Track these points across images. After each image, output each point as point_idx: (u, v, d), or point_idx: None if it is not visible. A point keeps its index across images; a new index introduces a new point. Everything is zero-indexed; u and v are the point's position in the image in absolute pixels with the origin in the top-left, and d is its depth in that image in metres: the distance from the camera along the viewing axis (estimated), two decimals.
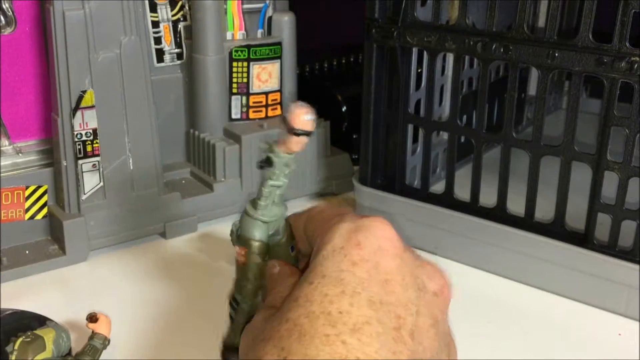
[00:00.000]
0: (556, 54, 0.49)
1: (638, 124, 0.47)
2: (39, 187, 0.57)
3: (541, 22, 0.76)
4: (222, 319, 0.49)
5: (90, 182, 0.56)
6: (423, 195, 0.59)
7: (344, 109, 0.76)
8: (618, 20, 0.46)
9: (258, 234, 0.35)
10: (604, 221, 0.50)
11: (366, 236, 0.30)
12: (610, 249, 0.50)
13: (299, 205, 0.67)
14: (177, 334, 0.48)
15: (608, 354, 0.46)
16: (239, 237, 0.36)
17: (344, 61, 0.84)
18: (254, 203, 0.35)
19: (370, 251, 0.30)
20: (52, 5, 0.52)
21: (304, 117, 0.33)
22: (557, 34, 0.49)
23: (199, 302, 0.51)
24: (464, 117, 0.68)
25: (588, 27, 0.47)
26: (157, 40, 0.64)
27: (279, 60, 0.67)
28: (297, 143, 0.33)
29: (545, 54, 0.49)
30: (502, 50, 0.51)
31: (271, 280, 0.34)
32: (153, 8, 0.63)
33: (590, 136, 0.52)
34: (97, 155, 0.56)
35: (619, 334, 0.48)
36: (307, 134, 0.33)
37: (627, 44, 0.46)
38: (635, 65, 0.46)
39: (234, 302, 0.37)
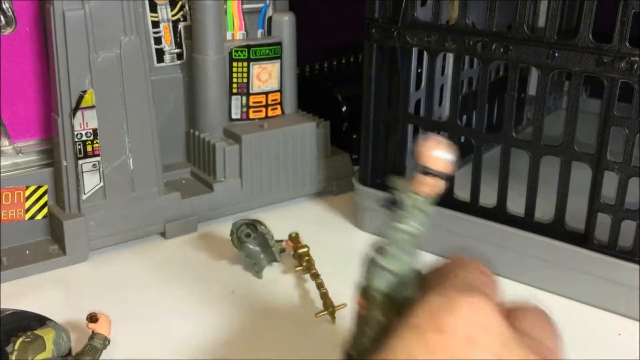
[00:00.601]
0: (556, 54, 0.49)
1: (638, 124, 0.47)
2: (39, 187, 0.57)
3: (541, 22, 0.76)
4: (222, 319, 0.49)
5: (91, 182, 0.56)
6: None
7: (344, 109, 0.76)
8: (618, 20, 0.46)
9: (383, 285, 0.29)
10: (604, 221, 0.50)
11: (452, 320, 0.24)
12: (610, 249, 0.50)
13: (298, 205, 0.68)
14: (177, 333, 0.48)
15: (608, 354, 0.46)
16: (363, 287, 0.30)
17: (344, 61, 0.84)
18: (380, 249, 0.30)
19: (455, 340, 0.24)
20: (52, 5, 0.52)
21: (435, 153, 0.27)
22: (557, 34, 0.49)
23: (199, 301, 0.51)
24: (464, 117, 0.68)
25: (588, 27, 0.47)
26: (157, 40, 0.64)
27: (279, 60, 0.67)
28: (426, 184, 0.28)
29: (545, 54, 0.49)
30: (502, 50, 0.51)
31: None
32: (153, 8, 0.63)
33: (590, 136, 0.52)
34: (97, 155, 0.56)
35: (619, 334, 0.48)
36: (439, 175, 0.27)
37: (627, 44, 0.46)
38: (635, 65, 0.46)
39: (347, 357, 0.32)
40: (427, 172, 0.28)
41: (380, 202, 0.30)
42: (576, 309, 0.51)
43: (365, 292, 0.30)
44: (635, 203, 0.49)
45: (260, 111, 0.67)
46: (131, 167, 0.58)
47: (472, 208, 0.56)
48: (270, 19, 0.67)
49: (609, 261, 0.49)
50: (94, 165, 0.56)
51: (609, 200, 0.49)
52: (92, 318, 0.43)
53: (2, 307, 0.47)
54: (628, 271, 0.49)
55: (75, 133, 0.55)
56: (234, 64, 0.65)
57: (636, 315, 0.49)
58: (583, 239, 0.51)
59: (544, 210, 0.53)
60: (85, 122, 0.55)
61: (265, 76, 0.67)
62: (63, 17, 0.53)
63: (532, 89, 0.82)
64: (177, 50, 0.65)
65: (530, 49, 0.50)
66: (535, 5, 0.75)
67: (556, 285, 0.52)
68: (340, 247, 0.60)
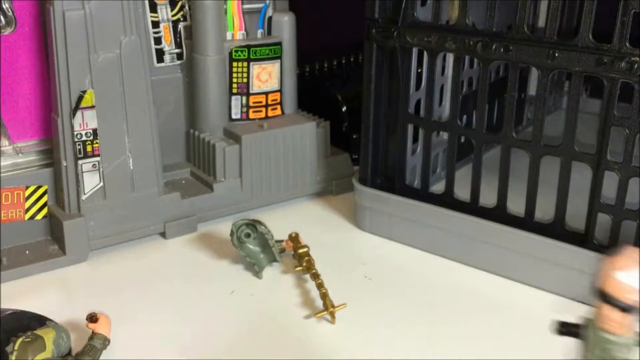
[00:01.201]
0: (556, 54, 0.49)
1: (638, 124, 0.47)
2: (39, 187, 0.57)
3: (541, 22, 0.76)
4: (222, 319, 0.49)
5: (90, 182, 0.56)
6: (423, 195, 0.59)
7: (344, 109, 0.76)
8: (618, 20, 0.46)
9: None
10: (604, 221, 0.50)
11: None
12: (610, 249, 0.50)
13: (298, 205, 0.68)
14: (177, 334, 0.48)
15: None
16: None
17: (344, 61, 0.84)
18: None
19: None
20: (52, 5, 0.52)
21: (624, 282, 0.20)
22: (557, 34, 0.49)
23: (199, 302, 0.51)
24: (464, 117, 0.68)
25: (588, 27, 0.47)
26: (157, 41, 0.64)
27: (279, 60, 0.67)
28: (608, 318, 0.21)
29: (545, 54, 0.49)
30: (502, 50, 0.51)
31: None
32: (153, 8, 0.63)
33: (590, 136, 0.52)
34: (97, 155, 0.56)
35: None
36: (626, 308, 0.20)
37: (627, 44, 0.46)
38: (635, 65, 0.46)
39: None
40: (611, 302, 0.20)
41: (553, 327, 0.24)
42: (576, 309, 0.51)
43: None
44: (635, 203, 0.49)
45: (260, 111, 0.67)
46: (131, 167, 0.58)
47: (472, 208, 0.56)
48: (270, 19, 0.67)
49: None
50: (93, 165, 0.56)
51: (609, 201, 0.49)
52: (92, 318, 0.43)
53: (2, 307, 0.47)
54: None
55: (75, 133, 0.55)
56: (234, 64, 0.65)
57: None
58: (583, 239, 0.51)
59: (544, 210, 0.53)
60: (85, 122, 0.55)
61: (265, 76, 0.67)
62: (63, 17, 0.53)
63: (532, 89, 0.82)
64: (177, 50, 0.65)
65: (530, 49, 0.50)
66: (536, 6, 0.75)
67: (556, 285, 0.52)
68: (340, 247, 0.60)
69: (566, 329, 0.24)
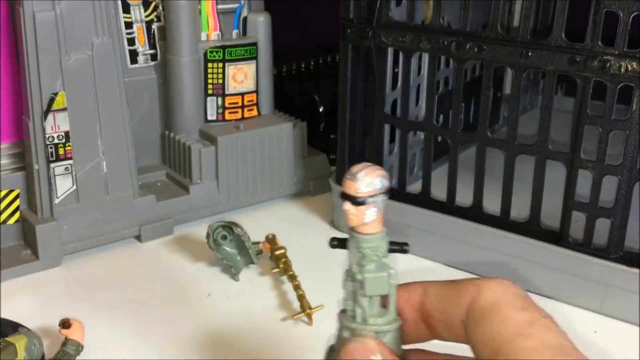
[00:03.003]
0: (529, 54, 0.49)
1: (611, 123, 0.47)
2: (10, 191, 0.56)
3: (516, 21, 0.76)
4: (199, 322, 0.49)
5: (63, 185, 0.55)
6: (400, 195, 0.59)
7: (320, 109, 0.75)
8: (590, 19, 0.46)
9: None
10: (578, 219, 0.50)
11: None
12: (585, 246, 0.50)
13: (275, 206, 0.67)
14: (153, 338, 0.47)
15: (583, 352, 0.46)
16: None
17: (321, 61, 0.83)
18: None
19: None
20: (21, 6, 0.52)
21: (354, 181, 0.25)
22: (530, 34, 0.49)
23: (175, 305, 0.51)
24: (441, 116, 0.68)
25: (561, 26, 0.47)
26: (131, 42, 0.63)
27: (254, 61, 0.67)
28: (348, 212, 0.25)
29: (519, 54, 0.49)
30: (476, 50, 0.51)
31: None
32: (126, 9, 0.62)
33: (567, 134, 0.52)
34: (70, 158, 0.55)
35: (595, 332, 0.48)
36: (359, 202, 0.25)
37: (600, 43, 0.46)
38: (608, 64, 0.46)
39: None
40: (347, 198, 0.25)
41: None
42: (551, 306, 0.51)
43: None
44: (609, 201, 0.49)
45: (237, 112, 0.67)
46: (104, 170, 0.57)
47: (448, 207, 0.56)
48: (245, 19, 0.67)
49: (584, 259, 0.50)
50: (66, 168, 0.55)
51: (583, 199, 0.50)
52: (65, 324, 0.42)
53: None
54: (603, 268, 0.49)
55: (47, 136, 0.54)
56: (209, 64, 0.65)
57: (611, 312, 0.50)
58: (558, 237, 0.51)
59: (520, 209, 0.53)
60: (57, 125, 0.54)
61: (241, 77, 0.66)
62: (33, 19, 0.52)
63: (508, 88, 0.82)
64: (151, 51, 0.64)
65: (503, 48, 0.50)
66: (510, 5, 0.75)
67: (532, 283, 0.52)
68: (318, 248, 0.60)
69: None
